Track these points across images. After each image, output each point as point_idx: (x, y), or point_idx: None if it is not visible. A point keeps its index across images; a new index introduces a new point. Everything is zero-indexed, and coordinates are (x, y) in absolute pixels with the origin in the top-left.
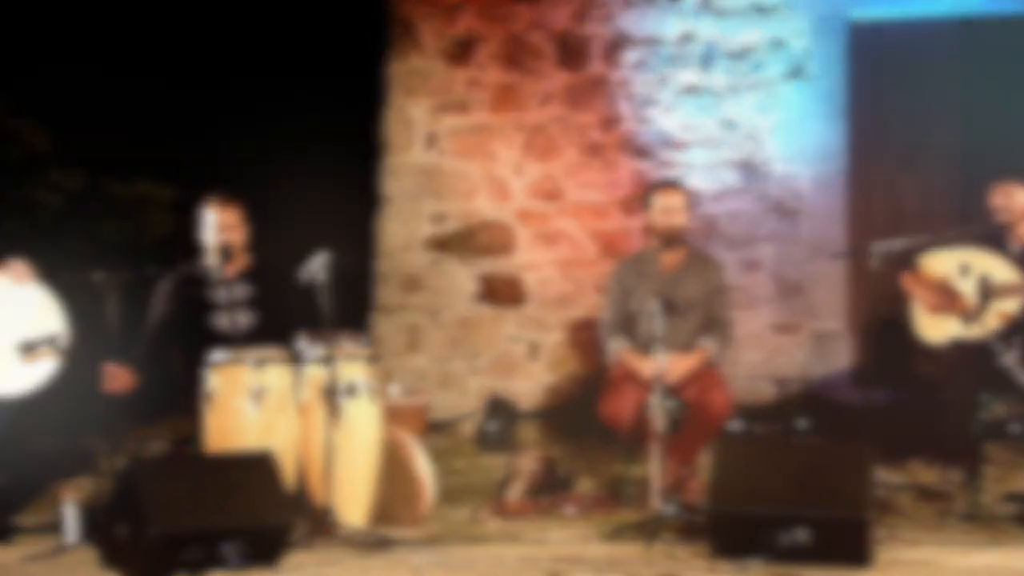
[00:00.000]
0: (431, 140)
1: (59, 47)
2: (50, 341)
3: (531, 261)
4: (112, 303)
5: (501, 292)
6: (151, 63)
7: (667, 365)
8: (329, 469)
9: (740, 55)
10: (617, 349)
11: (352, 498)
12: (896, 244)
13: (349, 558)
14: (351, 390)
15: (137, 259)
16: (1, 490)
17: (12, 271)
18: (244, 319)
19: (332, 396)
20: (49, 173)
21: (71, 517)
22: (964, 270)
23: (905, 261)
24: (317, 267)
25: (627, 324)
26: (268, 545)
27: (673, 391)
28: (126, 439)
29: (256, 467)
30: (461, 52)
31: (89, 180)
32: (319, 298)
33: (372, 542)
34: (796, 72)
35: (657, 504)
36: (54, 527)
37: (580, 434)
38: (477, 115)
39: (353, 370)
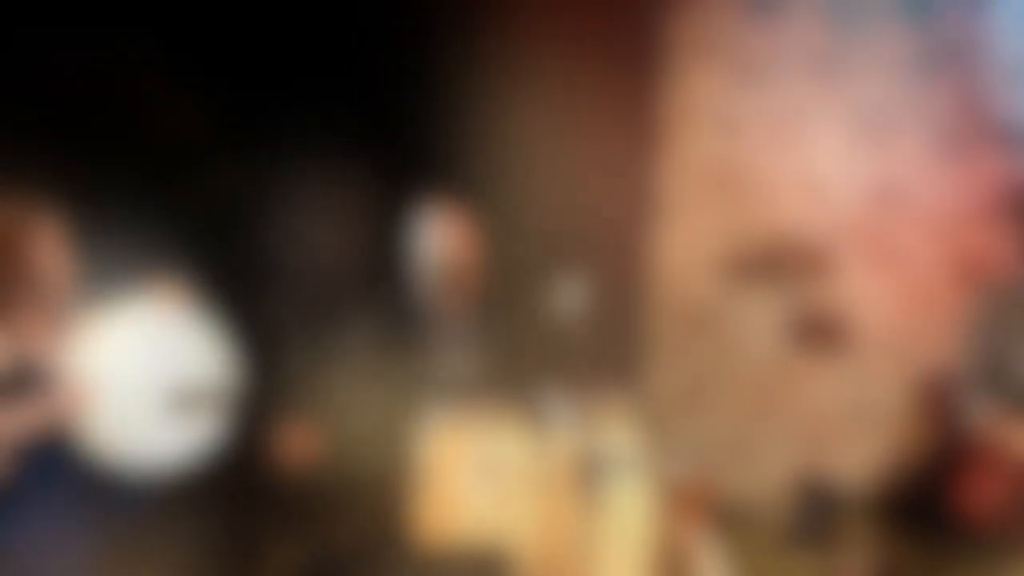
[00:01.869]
0: (725, 125)
1: None
2: (208, 390)
3: (860, 290)
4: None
5: (817, 332)
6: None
7: None
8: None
9: None
10: (983, 412)
11: None
12: None
13: None
14: (615, 465)
15: None
16: None
17: (164, 295)
18: (465, 360)
19: (589, 473)
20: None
21: None
22: None
23: None
24: (567, 294)
25: (997, 378)
26: None
27: None
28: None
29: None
30: (767, 3)
31: None
32: (570, 336)
33: None
34: None
35: None
36: None
37: (926, 529)
38: (788, 91)
39: (619, 436)
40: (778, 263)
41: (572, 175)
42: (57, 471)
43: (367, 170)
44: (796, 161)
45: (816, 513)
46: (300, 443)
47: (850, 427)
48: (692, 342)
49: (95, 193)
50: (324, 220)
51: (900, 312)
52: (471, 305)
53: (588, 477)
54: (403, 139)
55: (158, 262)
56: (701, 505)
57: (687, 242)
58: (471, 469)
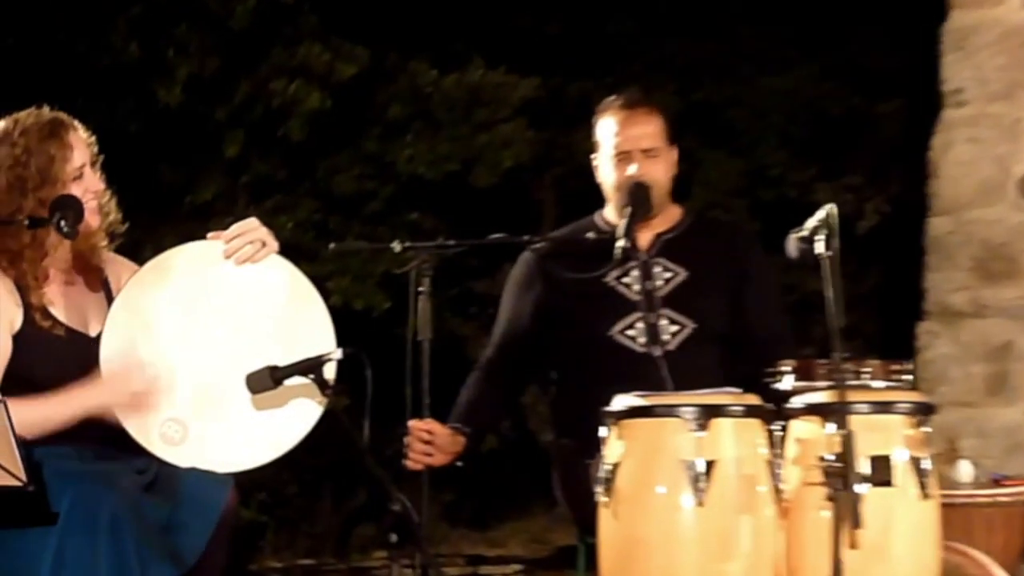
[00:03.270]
0: None
1: None
2: (311, 368)
3: None
4: (423, 301)
5: None
6: None
7: None
8: None
9: None
10: None
11: None
12: None
13: None
14: (882, 472)
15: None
16: None
17: (236, 241)
18: (671, 330)
19: (844, 483)
20: None
21: None
22: None
23: None
24: (811, 234)
25: None
26: None
27: None
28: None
29: None
30: None
31: None
32: (826, 292)
33: None
34: None
35: None
36: None
37: None
38: None
39: (887, 434)
40: None
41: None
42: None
43: None
44: None
45: None
46: (435, 443)
47: None
48: (992, 296)
49: None
50: None
51: None
52: (669, 244)
53: (844, 491)
54: None
55: None
56: (1010, 528)
57: (983, 156)
58: (681, 477)
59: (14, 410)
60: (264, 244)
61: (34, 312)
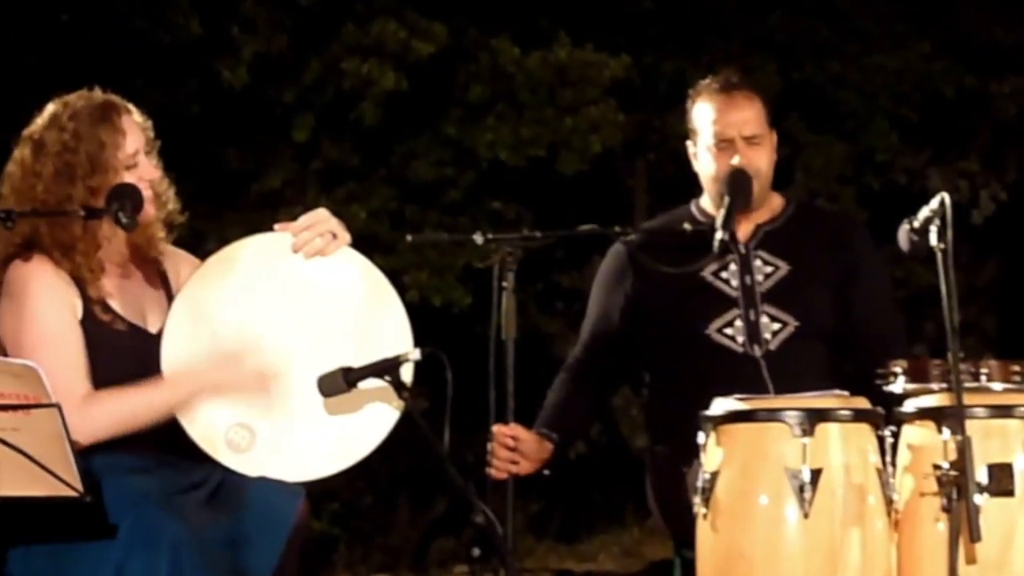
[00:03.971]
0: None
1: None
2: (387, 370)
3: None
4: (507, 297)
5: None
6: None
7: None
8: None
9: None
10: None
11: None
12: None
13: None
14: (1002, 481)
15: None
16: None
17: (306, 233)
18: (773, 328)
19: (960, 493)
20: None
21: None
22: None
23: None
24: (923, 224)
25: None
26: None
27: None
28: None
29: None
30: None
31: None
32: (940, 287)
33: None
34: None
35: None
36: None
37: None
38: None
39: (1007, 440)
40: None
41: None
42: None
43: None
44: None
45: None
46: (522, 450)
47: None
48: None
49: None
50: None
51: None
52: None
53: (961, 501)
54: None
55: None
56: None
57: None
58: (786, 488)
59: (112, 400)
60: (335, 236)
61: (93, 305)
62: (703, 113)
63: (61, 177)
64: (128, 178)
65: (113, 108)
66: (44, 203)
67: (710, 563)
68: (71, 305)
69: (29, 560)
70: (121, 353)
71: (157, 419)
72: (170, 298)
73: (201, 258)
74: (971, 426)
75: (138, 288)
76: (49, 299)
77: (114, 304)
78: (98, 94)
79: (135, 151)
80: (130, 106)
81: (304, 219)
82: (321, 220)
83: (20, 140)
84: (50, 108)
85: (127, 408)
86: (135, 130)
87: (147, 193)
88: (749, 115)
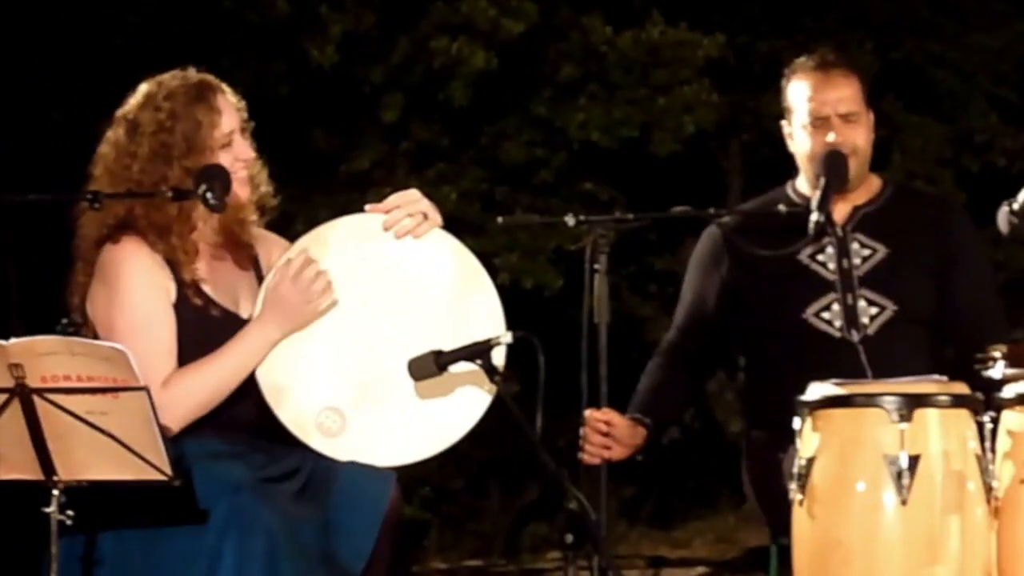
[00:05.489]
0: None
1: None
2: (478, 353)
3: None
4: (600, 280)
5: None
6: None
7: None
8: None
9: None
10: None
11: None
12: None
13: None
14: None
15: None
16: None
17: (396, 213)
18: (871, 312)
19: None
20: None
21: None
22: None
23: None
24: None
25: None
26: None
27: None
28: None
29: None
30: None
31: None
32: None
33: None
34: None
35: None
36: None
37: None
38: None
39: None
40: None
41: None
42: None
43: None
44: None
45: None
46: (615, 435)
47: None
48: None
49: None
50: None
51: None
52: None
53: None
54: None
55: None
56: None
57: None
58: (883, 473)
59: (189, 375)
60: (426, 217)
61: (186, 289)
62: (798, 91)
63: (157, 157)
64: (223, 158)
65: (208, 87)
66: (139, 184)
67: (806, 551)
68: (164, 288)
69: (121, 544)
70: (213, 338)
71: (238, 379)
72: (261, 281)
73: (290, 240)
74: None
75: (230, 272)
76: (142, 283)
77: (207, 288)
78: (193, 73)
79: (231, 131)
80: (224, 86)
81: (394, 197)
82: (412, 200)
83: (114, 121)
84: (144, 88)
85: (206, 378)
86: (230, 110)
87: (242, 174)
88: (846, 93)
